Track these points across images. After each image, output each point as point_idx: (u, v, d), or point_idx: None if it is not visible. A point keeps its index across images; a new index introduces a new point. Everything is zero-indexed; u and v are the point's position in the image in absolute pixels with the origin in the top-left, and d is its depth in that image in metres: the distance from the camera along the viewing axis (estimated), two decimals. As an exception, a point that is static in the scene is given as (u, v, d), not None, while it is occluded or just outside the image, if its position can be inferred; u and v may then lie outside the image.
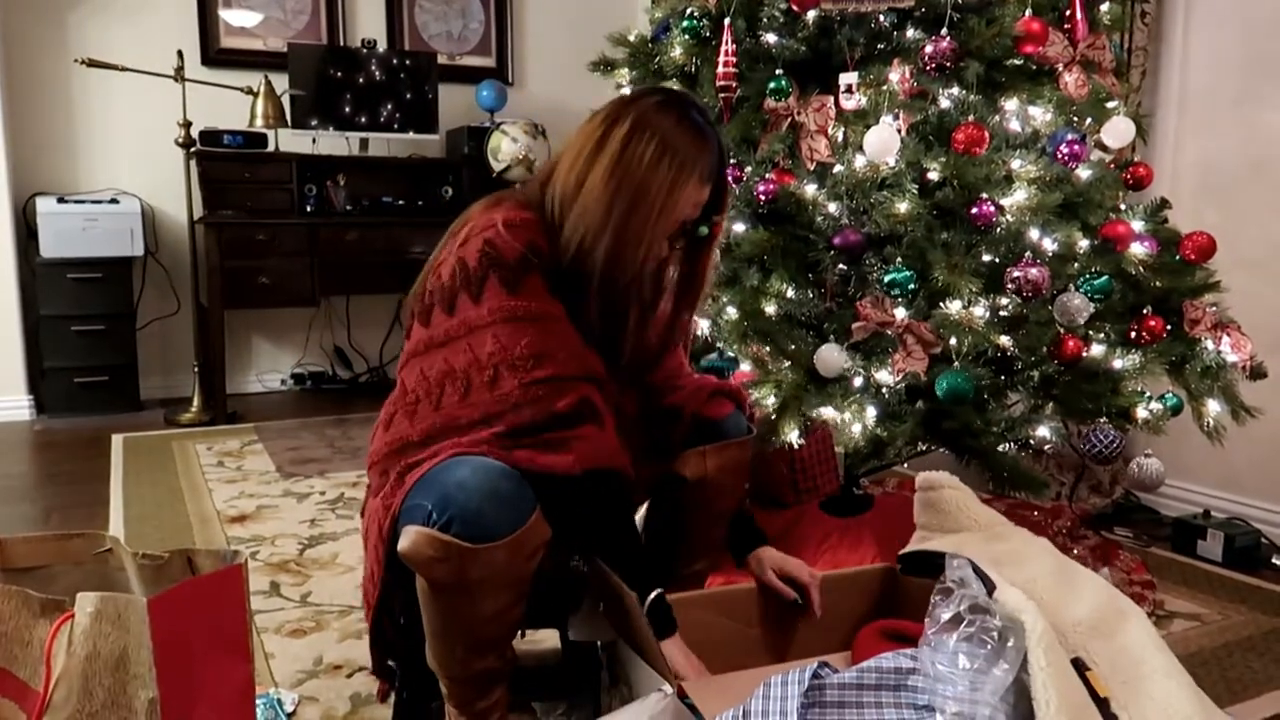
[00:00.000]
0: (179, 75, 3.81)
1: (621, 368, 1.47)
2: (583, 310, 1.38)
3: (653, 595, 1.35)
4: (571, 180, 1.37)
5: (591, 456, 1.32)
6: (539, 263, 1.33)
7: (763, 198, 1.92)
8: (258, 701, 1.54)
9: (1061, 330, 1.84)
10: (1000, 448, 1.83)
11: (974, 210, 1.77)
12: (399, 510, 1.30)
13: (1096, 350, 1.91)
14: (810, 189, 1.92)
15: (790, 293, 1.89)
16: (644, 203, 1.34)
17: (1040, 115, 1.93)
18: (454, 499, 1.22)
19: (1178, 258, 2.00)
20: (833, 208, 1.90)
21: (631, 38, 2.28)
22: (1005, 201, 1.80)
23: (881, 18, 1.99)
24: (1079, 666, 1.25)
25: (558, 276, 1.36)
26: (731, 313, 1.93)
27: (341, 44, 4.45)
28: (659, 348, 1.55)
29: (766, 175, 1.95)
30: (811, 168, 1.94)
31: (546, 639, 1.80)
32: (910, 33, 1.96)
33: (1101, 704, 1.21)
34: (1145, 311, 1.93)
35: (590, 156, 1.36)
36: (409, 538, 1.23)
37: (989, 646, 1.14)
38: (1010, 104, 1.93)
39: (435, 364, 1.35)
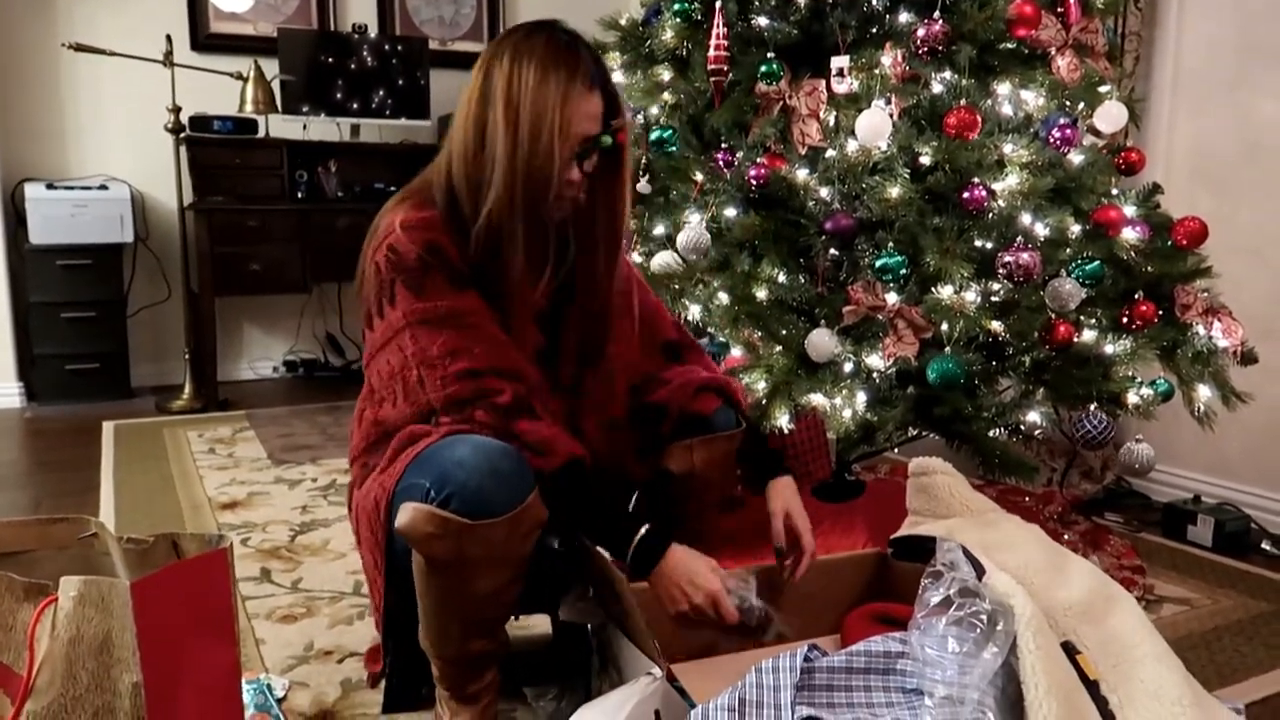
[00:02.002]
0: (168, 60, 3.78)
1: (576, 343, 1.47)
2: (509, 274, 1.36)
3: (640, 533, 1.35)
4: (471, 132, 1.35)
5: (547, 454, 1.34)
6: (437, 261, 1.34)
7: (754, 182, 1.91)
8: (249, 687, 1.54)
9: (1053, 315, 1.84)
10: (991, 433, 1.83)
11: (966, 195, 1.77)
12: (395, 489, 1.30)
13: (1088, 335, 1.91)
14: (802, 173, 1.91)
15: (781, 277, 1.89)
16: (543, 124, 1.31)
17: (1032, 99, 1.93)
18: (453, 476, 1.23)
19: (1169, 243, 2.00)
20: (824, 192, 1.89)
21: (623, 21, 2.26)
22: (997, 186, 1.79)
23: (874, 1, 1.98)
24: (1069, 650, 1.25)
25: (472, 262, 1.36)
26: (723, 298, 1.92)
27: (332, 29, 4.42)
28: (606, 298, 1.51)
29: (758, 160, 1.94)
30: (803, 152, 1.93)
31: (537, 624, 1.80)
32: (903, 16, 1.95)
33: (1091, 686, 1.21)
34: (1137, 297, 1.93)
35: (480, 104, 1.35)
36: (407, 514, 1.24)
37: (978, 630, 1.14)
38: (1002, 88, 1.92)
39: (383, 365, 1.39)
